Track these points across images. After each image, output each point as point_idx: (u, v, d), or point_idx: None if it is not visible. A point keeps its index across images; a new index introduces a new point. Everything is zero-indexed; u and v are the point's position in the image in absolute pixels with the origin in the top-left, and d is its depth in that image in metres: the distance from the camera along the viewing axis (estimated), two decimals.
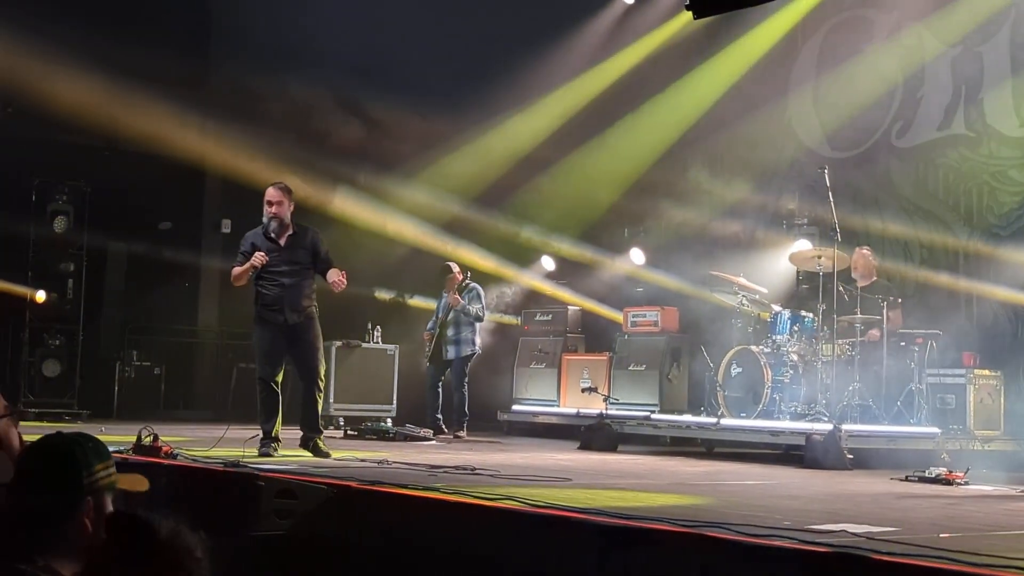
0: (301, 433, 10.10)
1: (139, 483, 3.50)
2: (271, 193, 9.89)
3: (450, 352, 13.70)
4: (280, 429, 9.94)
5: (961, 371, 11.84)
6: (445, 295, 13.86)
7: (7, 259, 15.36)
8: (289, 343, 9.98)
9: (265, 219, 9.93)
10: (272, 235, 9.86)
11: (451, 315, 13.70)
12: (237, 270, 10.01)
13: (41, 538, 3.08)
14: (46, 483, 3.15)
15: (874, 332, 11.83)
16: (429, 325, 14.01)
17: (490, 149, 16.69)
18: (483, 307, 13.89)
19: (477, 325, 13.83)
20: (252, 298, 10.12)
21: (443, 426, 13.53)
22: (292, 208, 9.94)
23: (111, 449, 8.58)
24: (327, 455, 9.75)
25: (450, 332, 13.73)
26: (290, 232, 9.89)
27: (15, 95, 14.57)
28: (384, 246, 15.89)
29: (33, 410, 14.74)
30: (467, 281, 13.88)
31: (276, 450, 9.73)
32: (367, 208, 16.01)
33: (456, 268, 13.93)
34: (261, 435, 9.86)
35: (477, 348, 13.87)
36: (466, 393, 13.67)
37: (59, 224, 15.37)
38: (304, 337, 9.95)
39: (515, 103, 16.60)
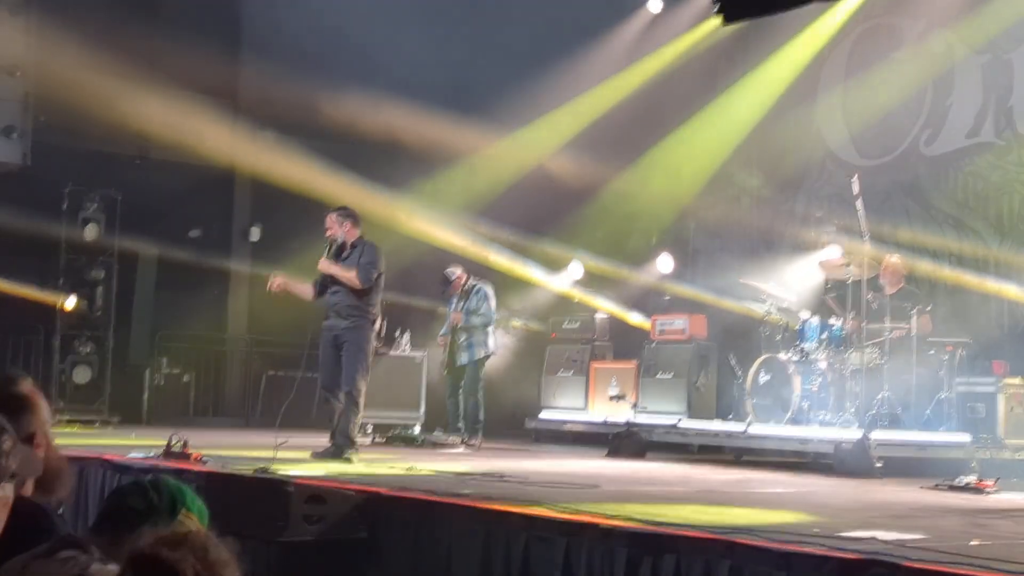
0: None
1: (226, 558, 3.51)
2: (326, 220, 10.68)
3: (463, 358, 13.68)
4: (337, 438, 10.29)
5: (991, 379, 11.76)
6: (453, 300, 13.88)
7: (38, 266, 15.46)
8: (338, 350, 10.40)
9: None
10: (334, 253, 10.57)
11: (462, 319, 13.70)
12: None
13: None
14: (147, 504, 3.17)
15: (899, 332, 11.78)
16: (443, 331, 14.01)
17: (511, 156, 16.71)
18: (491, 307, 13.79)
19: (489, 327, 13.80)
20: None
21: (464, 433, 13.52)
22: (349, 226, 10.59)
23: (140, 455, 8.67)
24: (347, 462, 9.86)
25: (461, 338, 13.70)
26: (349, 249, 10.55)
27: (47, 103, 14.68)
28: (405, 246, 15.89)
29: (64, 416, 14.83)
30: (472, 283, 13.85)
31: (334, 455, 10.07)
32: (395, 210, 16.03)
33: (456, 273, 13.90)
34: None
35: (491, 349, 13.80)
36: (481, 399, 13.60)
37: (90, 231, 15.46)
38: (345, 345, 10.36)
39: (543, 109, 16.63)
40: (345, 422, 10.24)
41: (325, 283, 10.57)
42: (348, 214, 10.67)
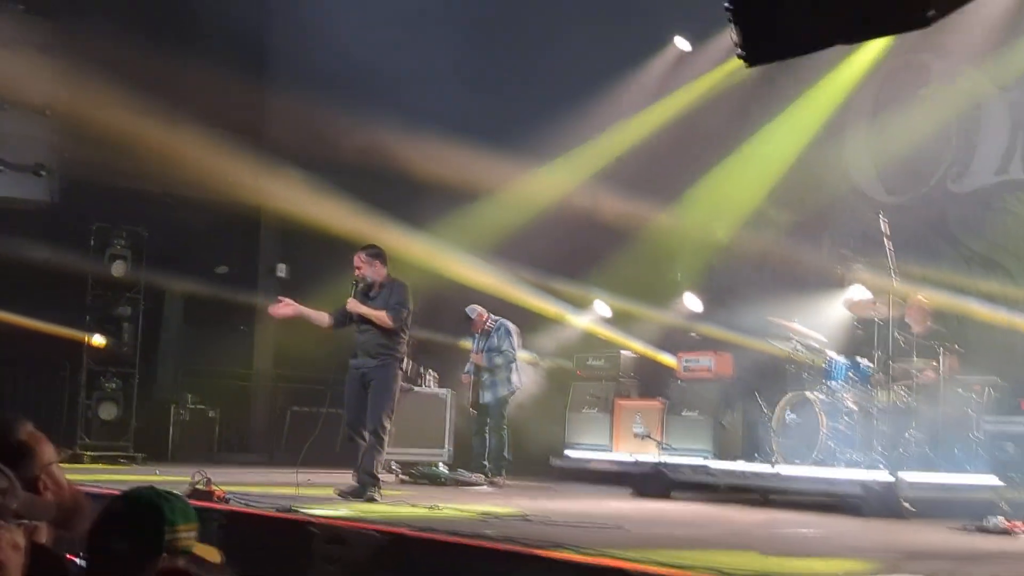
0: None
1: (213, 555, 3.50)
2: (354, 259, 10.66)
3: (487, 396, 13.66)
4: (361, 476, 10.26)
5: (1020, 418, 11.59)
6: (476, 337, 13.85)
7: (66, 302, 15.53)
8: (364, 388, 10.41)
9: None
10: (361, 292, 10.62)
11: (484, 359, 13.67)
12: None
13: None
14: (129, 530, 3.16)
15: (928, 372, 11.69)
16: (466, 368, 13.98)
17: (537, 192, 16.73)
18: (512, 345, 13.77)
19: (512, 364, 13.76)
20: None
21: (489, 471, 13.46)
22: (379, 266, 10.61)
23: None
24: (371, 501, 9.83)
25: (485, 377, 13.68)
26: (378, 288, 10.58)
27: (75, 141, 14.79)
28: (431, 283, 15.88)
29: (89, 453, 14.87)
30: (494, 321, 13.82)
31: (357, 495, 10.05)
32: (421, 246, 16.05)
33: (476, 313, 13.89)
34: None
35: (514, 387, 13.77)
36: (506, 436, 13.57)
37: (117, 268, 15.54)
38: (372, 383, 10.37)
39: (570, 145, 16.66)
40: (369, 460, 10.23)
41: (345, 316, 10.57)
42: (377, 253, 10.69)
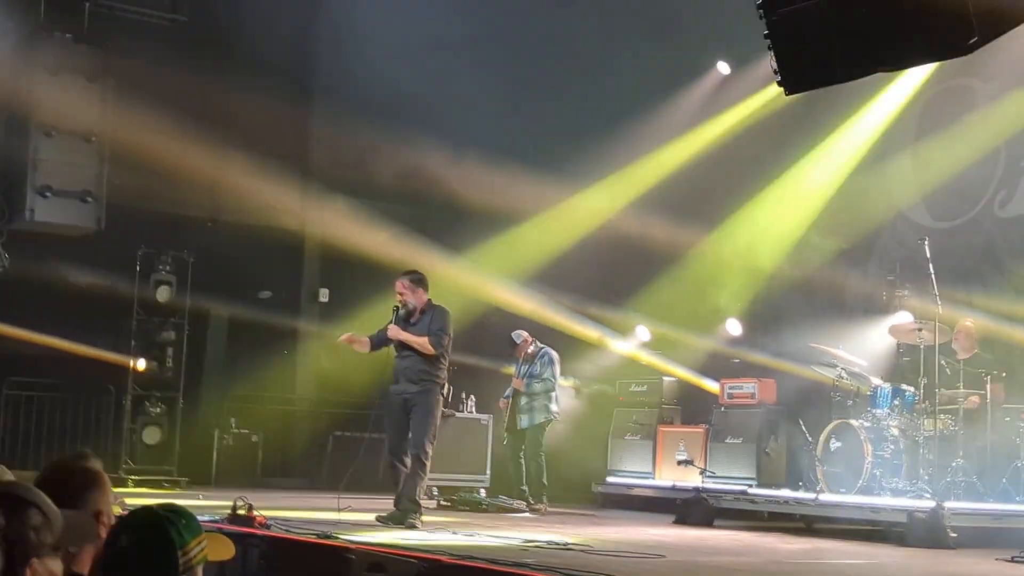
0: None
1: (227, 551, 3.50)
2: (396, 285, 10.74)
3: (523, 421, 13.58)
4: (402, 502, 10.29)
5: None
6: (518, 363, 13.81)
7: (111, 327, 15.65)
8: (406, 415, 10.44)
9: None
10: (402, 318, 10.67)
11: (524, 384, 13.62)
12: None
13: None
14: (141, 565, 3.15)
15: (973, 399, 11.57)
16: (506, 393, 13.94)
17: (578, 216, 16.72)
18: (554, 373, 13.69)
19: (552, 392, 13.70)
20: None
21: (529, 498, 13.40)
22: (421, 292, 10.67)
23: (207, 519, 8.69)
24: (411, 527, 9.82)
25: (523, 401, 13.62)
26: (419, 314, 10.63)
27: (121, 168, 14.94)
28: (472, 308, 15.87)
29: (134, 477, 14.95)
30: (538, 347, 13.78)
31: (398, 521, 10.04)
32: (462, 271, 16.06)
33: (521, 338, 13.85)
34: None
35: (553, 415, 13.69)
36: (543, 463, 13.48)
37: (162, 293, 15.64)
38: (415, 409, 10.41)
39: (611, 169, 16.66)
40: (411, 486, 10.22)
41: (383, 340, 10.64)
42: (419, 279, 10.73)
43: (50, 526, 2.98)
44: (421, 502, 10.43)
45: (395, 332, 10.51)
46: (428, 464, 10.36)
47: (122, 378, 15.61)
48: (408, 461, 10.33)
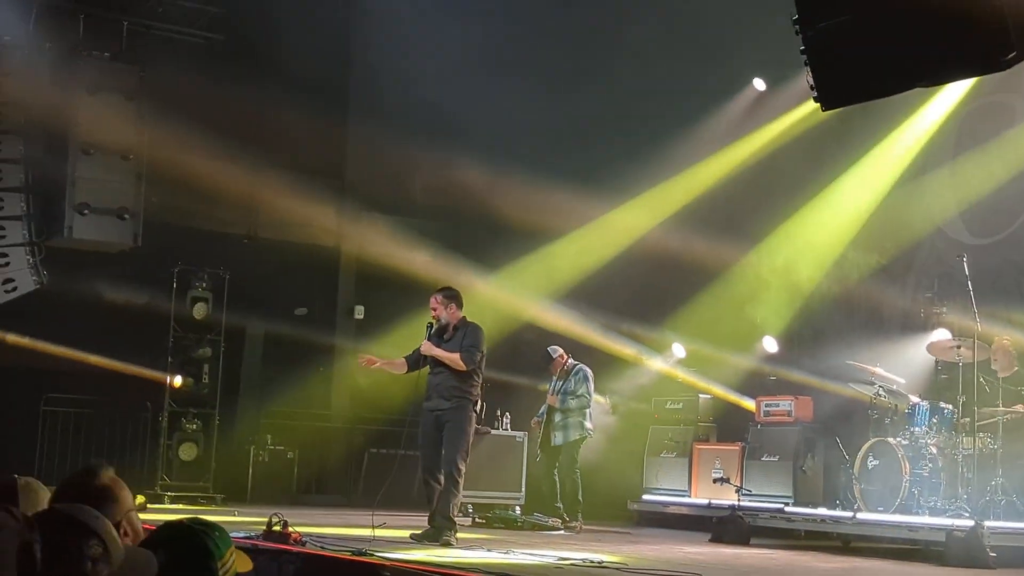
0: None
1: (246, 564, 3.51)
2: (431, 300, 10.79)
3: (557, 438, 13.52)
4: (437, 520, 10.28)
5: None
6: (553, 379, 13.76)
7: (148, 344, 15.72)
8: (439, 431, 10.48)
9: None
10: (436, 334, 10.69)
11: (558, 401, 13.56)
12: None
13: None
14: None
15: (1020, 406, 11.44)
16: (540, 412, 13.88)
17: (614, 233, 16.69)
18: (589, 390, 13.62)
19: (587, 409, 13.63)
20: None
21: (564, 515, 13.34)
22: (454, 309, 10.70)
23: (242, 535, 8.73)
24: (446, 544, 9.81)
25: (557, 418, 13.55)
26: (452, 330, 10.66)
27: (158, 185, 15.04)
28: (506, 325, 15.84)
29: (170, 493, 15.00)
30: (574, 364, 13.73)
31: (433, 539, 10.03)
32: (496, 288, 16.06)
33: (557, 353, 13.80)
34: None
35: (587, 431, 13.60)
36: (578, 480, 13.39)
37: (199, 310, 15.70)
38: (447, 426, 10.43)
39: (647, 185, 16.62)
40: (445, 503, 10.22)
41: (418, 358, 10.68)
42: (453, 295, 10.75)
43: (109, 559, 2.95)
44: (457, 519, 10.41)
45: (428, 348, 10.54)
46: (461, 481, 10.35)
47: (158, 394, 15.68)
48: (442, 478, 10.32)
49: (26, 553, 2.83)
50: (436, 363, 10.53)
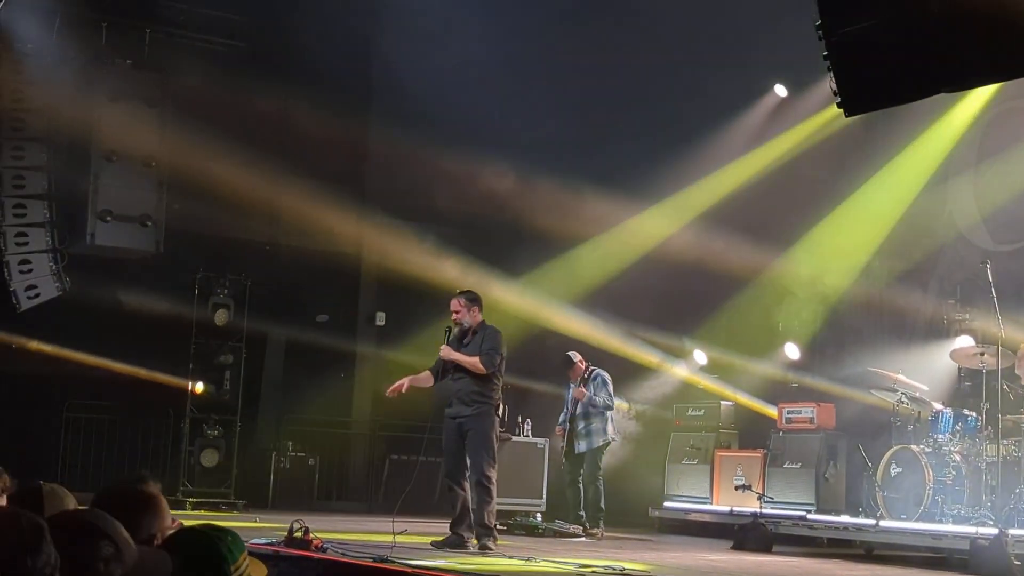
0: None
1: (260, 570, 3.52)
2: (452, 303, 10.71)
3: (581, 446, 13.46)
4: (467, 527, 10.28)
5: None
6: (572, 386, 13.72)
7: (170, 350, 15.77)
8: (462, 438, 10.40)
9: None
10: (448, 338, 10.61)
11: (579, 408, 13.51)
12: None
13: None
14: None
15: None
16: (560, 419, 13.82)
17: (634, 239, 16.67)
18: (609, 394, 13.54)
19: (608, 413, 13.57)
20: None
21: (586, 522, 13.30)
22: (476, 311, 10.62)
23: (263, 541, 8.73)
24: (485, 550, 9.83)
25: (580, 425, 13.50)
26: (471, 335, 10.58)
27: (180, 192, 15.09)
28: (527, 331, 15.80)
29: (191, 499, 15.04)
30: (592, 369, 13.70)
31: (454, 545, 10.02)
32: (517, 295, 16.04)
33: (577, 358, 13.75)
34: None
35: (610, 437, 13.55)
36: (601, 487, 13.34)
37: (220, 316, 15.74)
38: (469, 431, 10.36)
39: (668, 191, 16.59)
40: (480, 513, 10.18)
41: (444, 368, 10.59)
42: (474, 298, 10.69)
43: (121, 558, 2.97)
44: (494, 526, 10.37)
45: (447, 352, 10.49)
46: (493, 488, 10.28)
47: (180, 401, 15.72)
48: (465, 485, 10.30)
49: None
50: (457, 368, 10.48)
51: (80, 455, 15.90)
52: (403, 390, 10.56)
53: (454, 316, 10.62)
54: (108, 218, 14.77)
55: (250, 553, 3.50)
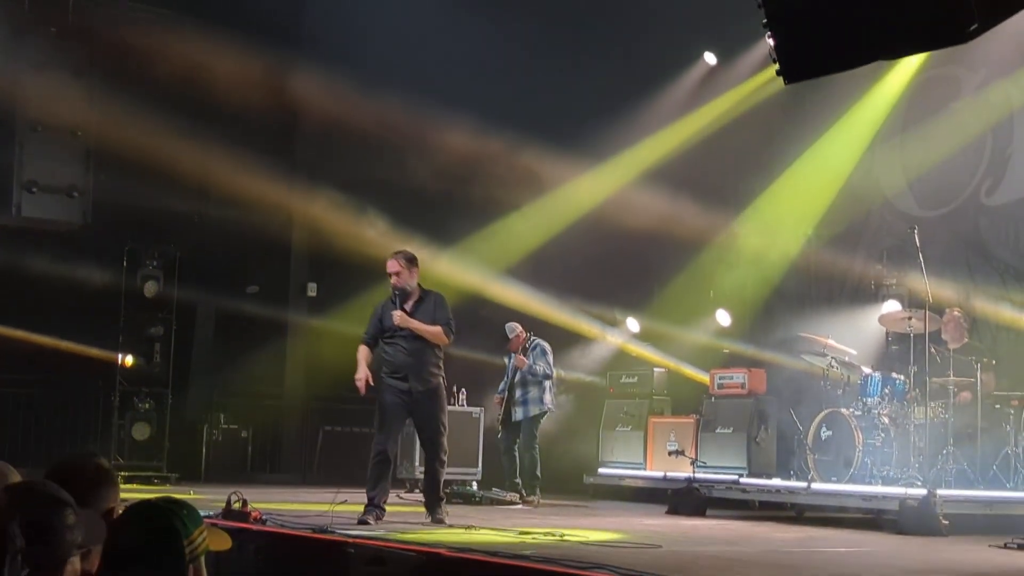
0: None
1: (224, 542, 3.52)
2: (389, 264, 10.01)
3: (518, 413, 13.53)
4: (386, 498, 9.89)
5: None
6: (512, 355, 13.75)
7: (99, 323, 15.59)
8: (411, 412, 10.07)
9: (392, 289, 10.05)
10: (397, 303, 9.93)
11: (518, 376, 13.56)
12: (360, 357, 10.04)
13: None
14: (151, 559, 3.14)
15: (965, 394, 11.61)
16: (500, 387, 13.88)
17: (563, 207, 16.68)
18: (549, 363, 13.64)
19: (546, 383, 13.63)
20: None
21: (522, 490, 13.38)
22: (415, 271, 10.00)
23: (201, 514, 8.69)
24: (440, 522, 9.75)
25: (517, 393, 13.55)
26: (415, 299, 10.00)
27: (107, 162, 14.87)
28: (460, 300, 15.76)
29: (123, 473, 14.90)
30: (532, 338, 13.75)
31: (376, 519, 9.60)
32: (450, 263, 16.00)
33: (517, 328, 13.81)
34: (366, 502, 9.77)
35: (547, 406, 13.63)
36: (537, 455, 13.43)
37: (149, 288, 15.58)
38: (427, 408, 10.00)
39: (598, 158, 16.60)
40: (438, 484, 10.12)
41: (377, 334, 9.99)
42: (412, 259, 10.03)
43: (81, 525, 2.98)
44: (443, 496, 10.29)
45: (403, 319, 9.75)
46: (446, 459, 10.14)
47: (110, 374, 15.56)
48: (397, 454, 10.18)
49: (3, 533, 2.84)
50: (403, 336, 9.88)
51: (8, 430, 15.67)
52: (370, 381, 9.89)
53: (393, 279, 9.92)
54: (34, 189, 14.54)
55: None
